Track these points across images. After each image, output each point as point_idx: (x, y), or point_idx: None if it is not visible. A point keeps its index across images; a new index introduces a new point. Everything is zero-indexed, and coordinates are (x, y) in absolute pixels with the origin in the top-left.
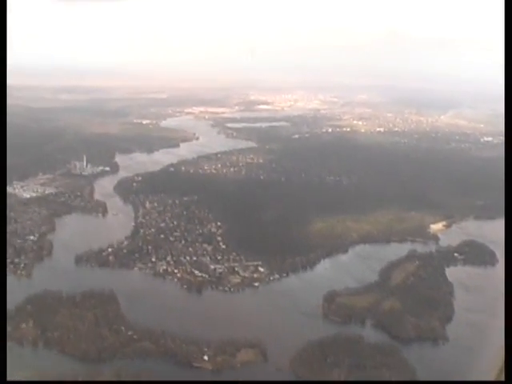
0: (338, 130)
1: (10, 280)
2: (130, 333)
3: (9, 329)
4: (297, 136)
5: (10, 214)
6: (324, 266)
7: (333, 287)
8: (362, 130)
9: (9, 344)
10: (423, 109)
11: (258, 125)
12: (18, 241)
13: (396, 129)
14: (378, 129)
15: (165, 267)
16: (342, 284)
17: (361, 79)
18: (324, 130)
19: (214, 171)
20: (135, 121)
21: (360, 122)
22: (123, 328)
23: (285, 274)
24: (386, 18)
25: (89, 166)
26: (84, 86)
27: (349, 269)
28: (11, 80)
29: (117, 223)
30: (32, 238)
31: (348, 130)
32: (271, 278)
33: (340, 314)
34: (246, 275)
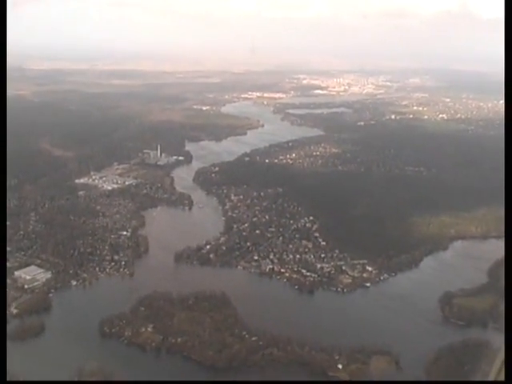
0: (401, 117)
1: (115, 279)
2: (253, 339)
3: (129, 333)
4: (362, 123)
5: (96, 207)
6: (429, 265)
7: (446, 288)
8: (425, 117)
9: (131, 349)
10: (479, 93)
11: (319, 111)
12: (112, 236)
13: (458, 115)
14: (440, 115)
15: (271, 266)
16: (453, 285)
17: (410, 62)
18: (388, 117)
19: (289, 161)
20: (195, 107)
21: (420, 108)
22: (245, 333)
23: (393, 274)
24: None
25: (163, 155)
26: (133, 70)
27: (455, 268)
28: (60, 64)
29: (205, 217)
30: (125, 233)
31: (411, 116)
32: (381, 278)
33: (461, 316)
34: (356, 275)
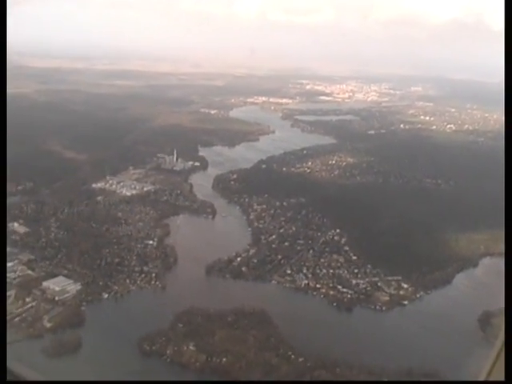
0: (410, 126)
1: (147, 292)
2: (300, 360)
3: (171, 352)
4: (372, 132)
5: (117, 214)
6: (461, 282)
7: (482, 307)
8: (434, 127)
9: (175, 369)
10: (484, 103)
11: (327, 118)
12: (138, 245)
13: (466, 126)
14: (448, 125)
15: (306, 281)
16: (489, 303)
17: (412, 70)
18: (397, 127)
19: (307, 170)
20: (202, 110)
21: (427, 118)
22: (291, 354)
23: (428, 291)
24: (452, 8)
25: (179, 160)
26: (133, 70)
27: (488, 285)
28: (57, 63)
29: (230, 227)
30: (151, 242)
31: (420, 126)
32: (417, 296)
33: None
34: (392, 292)
